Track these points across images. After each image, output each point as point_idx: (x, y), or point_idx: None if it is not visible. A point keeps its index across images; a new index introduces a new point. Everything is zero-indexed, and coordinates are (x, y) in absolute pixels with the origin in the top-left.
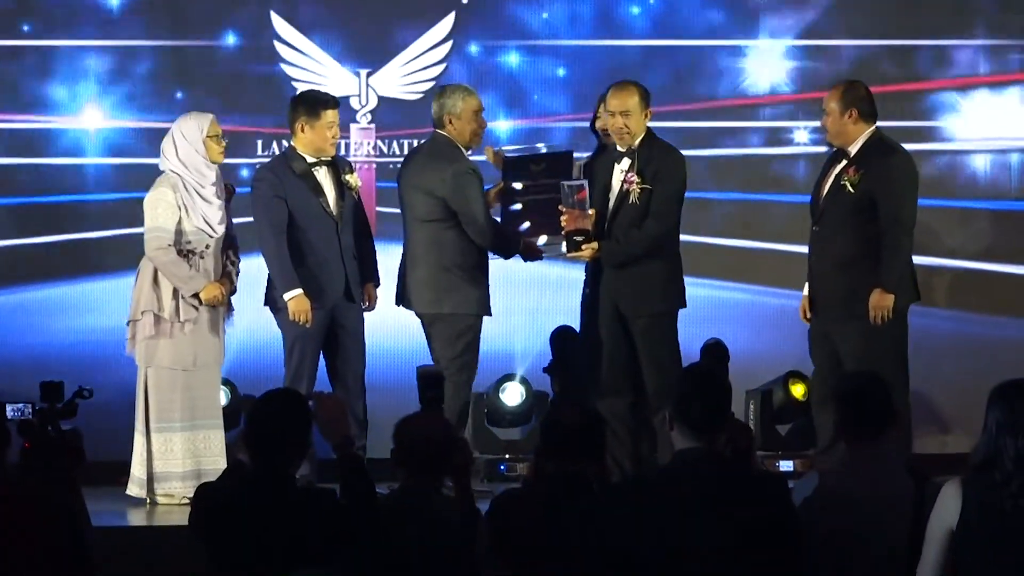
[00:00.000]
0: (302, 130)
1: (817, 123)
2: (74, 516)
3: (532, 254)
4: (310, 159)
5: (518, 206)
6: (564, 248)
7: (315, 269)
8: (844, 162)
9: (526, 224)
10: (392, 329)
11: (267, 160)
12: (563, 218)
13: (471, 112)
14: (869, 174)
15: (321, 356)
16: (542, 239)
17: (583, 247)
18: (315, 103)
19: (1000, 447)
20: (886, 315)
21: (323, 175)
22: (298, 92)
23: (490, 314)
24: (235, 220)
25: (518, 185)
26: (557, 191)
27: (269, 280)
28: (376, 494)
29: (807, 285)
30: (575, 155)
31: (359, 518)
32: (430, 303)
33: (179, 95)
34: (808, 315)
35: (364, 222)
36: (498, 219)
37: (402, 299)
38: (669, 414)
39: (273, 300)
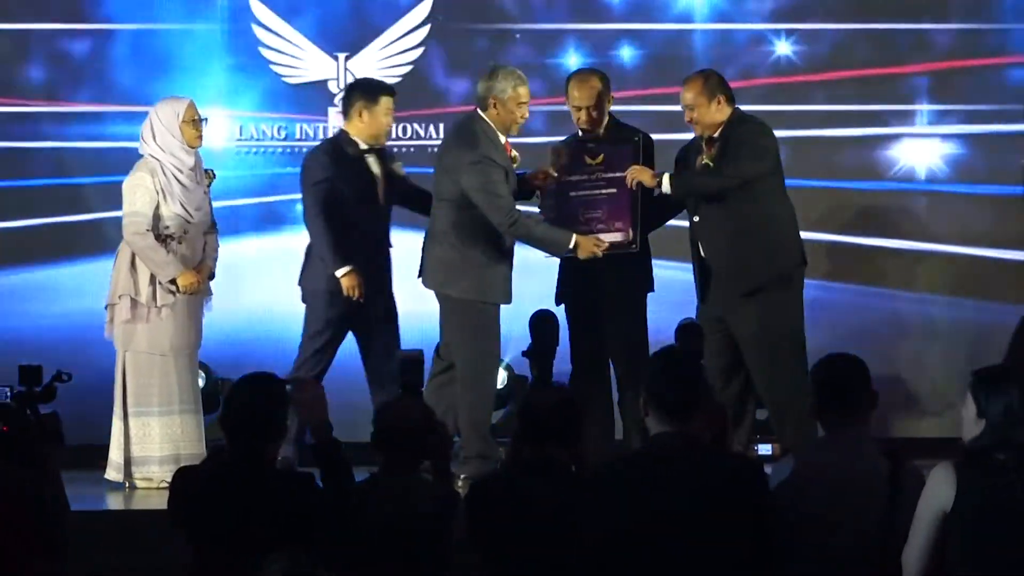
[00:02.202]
0: (359, 116)
1: (795, 107)
2: (53, 500)
3: (587, 251)
4: (363, 145)
5: (576, 199)
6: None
7: (360, 256)
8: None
9: (590, 217)
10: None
11: (320, 143)
12: None
13: (516, 102)
14: (726, 147)
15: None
16: (613, 236)
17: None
18: (373, 89)
19: (1007, 435)
20: (632, 180)
21: (373, 161)
22: (355, 79)
23: (507, 302)
24: (215, 204)
25: (575, 177)
26: (617, 185)
27: (306, 261)
28: (353, 478)
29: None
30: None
31: (336, 502)
32: (440, 283)
33: (157, 79)
34: None
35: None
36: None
37: (421, 273)
38: (643, 398)
39: (307, 281)
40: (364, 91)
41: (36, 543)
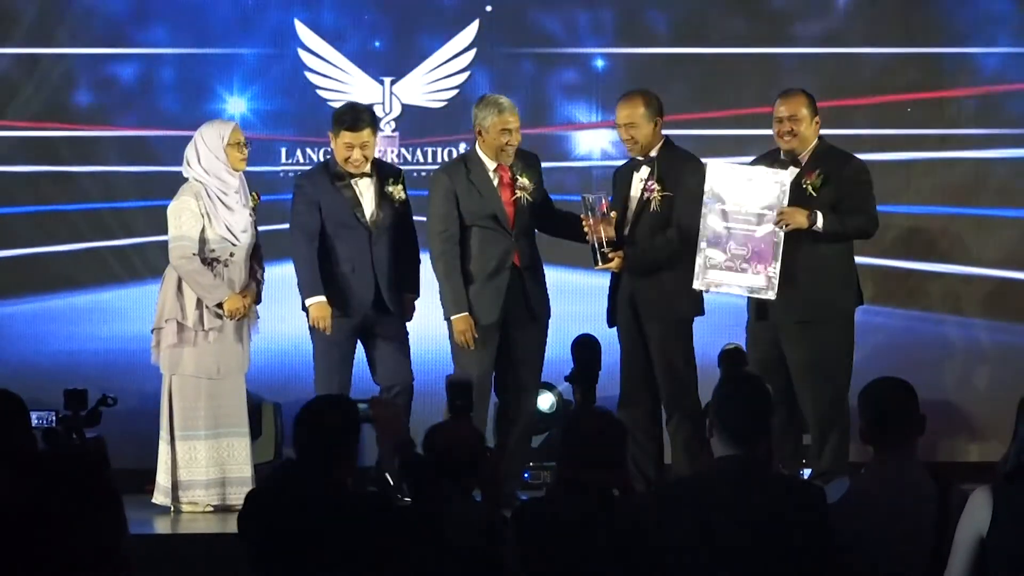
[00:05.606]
0: (332, 141)
1: (837, 131)
2: (113, 523)
3: (458, 333)
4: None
5: (728, 232)
6: (596, 261)
7: (344, 279)
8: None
9: (736, 254)
10: (421, 339)
11: (307, 168)
12: (585, 228)
13: (498, 130)
14: (830, 178)
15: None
16: (753, 280)
17: (610, 256)
18: (334, 121)
19: None
20: (784, 223)
21: (364, 184)
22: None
23: (487, 321)
24: (260, 228)
25: (723, 207)
26: (765, 223)
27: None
28: (443, 492)
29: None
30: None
31: (424, 517)
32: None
33: (202, 103)
34: None
35: (407, 231)
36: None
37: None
38: (710, 421)
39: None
40: (333, 119)
41: (97, 567)
